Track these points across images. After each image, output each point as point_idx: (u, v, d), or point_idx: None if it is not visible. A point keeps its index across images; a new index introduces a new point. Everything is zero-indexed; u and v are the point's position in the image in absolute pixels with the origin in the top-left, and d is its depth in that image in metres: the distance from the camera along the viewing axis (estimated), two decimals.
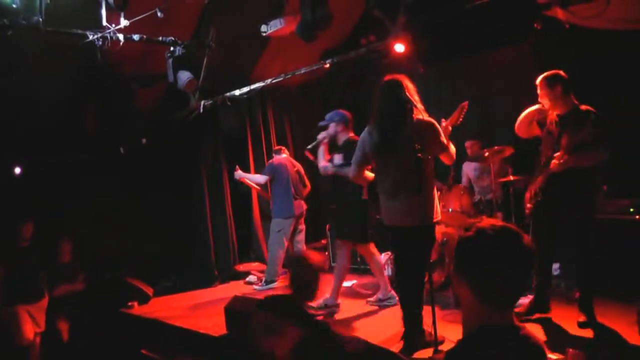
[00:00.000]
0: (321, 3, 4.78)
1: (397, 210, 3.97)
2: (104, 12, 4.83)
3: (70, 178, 6.73)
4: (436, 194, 4.12)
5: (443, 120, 3.95)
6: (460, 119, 3.93)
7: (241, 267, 7.72)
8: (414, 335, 3.91)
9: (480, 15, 5.01)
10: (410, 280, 3.98)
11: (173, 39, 5.55)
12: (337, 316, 5.18)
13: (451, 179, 6.19)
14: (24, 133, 6.18)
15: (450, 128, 3.94)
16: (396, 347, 3.65)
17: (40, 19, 4.48)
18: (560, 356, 3.11)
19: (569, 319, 4.09)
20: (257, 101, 8.08)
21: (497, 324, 1.53)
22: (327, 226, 7.54)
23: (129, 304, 6.46)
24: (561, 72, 4.09)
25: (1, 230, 5.33)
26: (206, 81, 6.10)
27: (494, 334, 1.51)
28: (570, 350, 3.28)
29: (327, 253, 7.59)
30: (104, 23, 4.87)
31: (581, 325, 3.89)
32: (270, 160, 6.95)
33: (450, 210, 5.66)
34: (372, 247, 5.41)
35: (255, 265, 7.78)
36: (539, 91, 4.15)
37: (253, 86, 6.91)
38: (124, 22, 4.86)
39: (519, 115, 4.30)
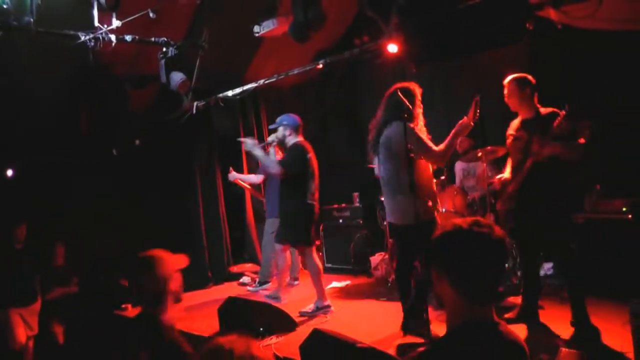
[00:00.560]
0: (313, 3, 4.78)
1: (392, 208, 4.16)
2: (95, 12, 4.81)
3: (63, 179, 6.69)
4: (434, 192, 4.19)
5: (465, 117, 3.97)
6: (478, 113, 3.95)
7: (235, 269, 7.70)
8: (412, 319, 4.07)
9: (473, 16, 5.02)
10: (407, 277, 4.15)
11: (166, 39, 5.53)
12: (331, 316, 5.17)
13: (445, 179, 6.20)
14: (17, 134, 6.15)
15: (472, 124, 3.97)
16: (388, 346, 3.65)
17: (32, 20, 4.45)
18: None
19: (561, 319, 4.09)
20: (250, 102, 8.08)
21: (479, 319, 1.57)
22: (321, 227, 7.54)
23: (123, 306, 6.43)
24: (529, 76, 4.10)
25: None
26: (199, 82, 6.08)
27: (475, 330, 1.56)
28: (564, 349, 3.29)
29: (320, 254, 7.59)
30: (96, 24, 4.84)
31: (573, 324, 3.89)
32: None
33: (443, 210, 5.66)
34: (313, 252, 5.44)
35: (249, 266, 7.76)
36: (506, 91, 4.14)
37: (246, 87, 6.90)
38: (116, 23, 4.84)
39: (513, 116, 4.29)
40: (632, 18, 4.50)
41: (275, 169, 5.22)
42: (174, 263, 2.63)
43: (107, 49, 5.01)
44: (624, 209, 4.72)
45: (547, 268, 5.32)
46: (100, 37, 4.91)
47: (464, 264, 1.58)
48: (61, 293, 5.98)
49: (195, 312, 5.64)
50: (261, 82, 6.79)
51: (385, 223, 6.55)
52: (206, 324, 5.26)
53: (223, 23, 6.09)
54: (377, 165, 4.59)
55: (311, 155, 5.50)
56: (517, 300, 4.44)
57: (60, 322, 5.77)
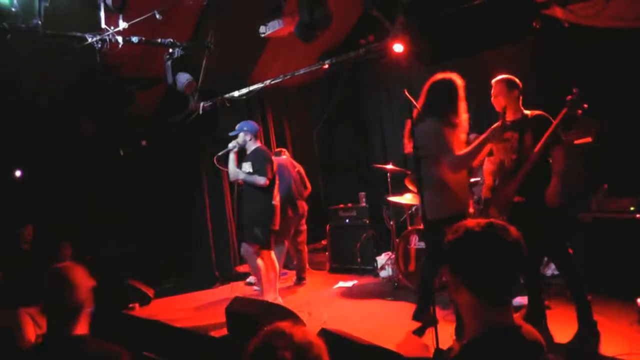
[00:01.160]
0: (319, 4, 4.78)
1: (424, 203, 4.05)
2: (102, 14, 4.83)
3: (70, 181, 6.73)
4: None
5: (497, 123, 3.89)
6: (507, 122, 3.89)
7: (241, 268, 7.71)
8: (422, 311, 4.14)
9: (479, 15, 5.01)
10: (433, 270, 4.17)
11: (172, 40, 5.55)
12: (338, 315, 5.18)
13: None
14: (24, 137, 6.19)
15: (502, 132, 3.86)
16: (395, 346, 3.65)
17: (39, 22, 4.47)
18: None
19: (568, 318, 4.07)
20: (256, 102, 8.09)
21: (499, 324, 1.53)
22: (327, 227, 7.55)
23: (130, 305, 6.47)
24: (516, 79, 4.03)
25: (2, 233, 5.33)
26: (205, 83, 6.10)
27: (499, 336, 1.52)
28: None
29: (326, 254, 7.60)
30: (103, 25, 4.86)
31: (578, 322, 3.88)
32: None
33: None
34: (270, 255, 5.58)
35: None
36: (494, 90, 4.05)
37: (252, 87, 6.91)
38: (122, 25, 4.86)
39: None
40: (638, 15, 4.48)
41: (260, 181, 5.40)
42: (87, 277, 2.43)
43: (114, 50, 5.04)
44: (632, 208, 4.69)
45: (553, 268, 5.30)
46: (107, 39, 4.94)
47: (482, 269, 1.54)
48: None
49: (202, 312, 5.66)
50: (267, 82, 6.80)
51: (391, 223, 6.56)
52: (213, 324, 5.29)
53: (229, 24, 6.10)
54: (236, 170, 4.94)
55: (272, 157, 5.67)
56: (525, 300, 4.43)
57: None
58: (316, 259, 7.76)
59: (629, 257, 4.51)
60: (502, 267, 1.53)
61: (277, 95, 8.43)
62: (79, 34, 4.90)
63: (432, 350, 3.64)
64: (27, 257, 5.23)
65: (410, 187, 6.15)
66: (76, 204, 6.69)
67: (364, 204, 7.33)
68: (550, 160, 3.91)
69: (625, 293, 4.33)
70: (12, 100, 5.68)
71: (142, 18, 4.90)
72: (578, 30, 4.92)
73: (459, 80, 3.97)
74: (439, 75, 4.01)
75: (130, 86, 6.40)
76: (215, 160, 5.64)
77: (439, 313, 4.09)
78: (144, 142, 6.39)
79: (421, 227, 5.65)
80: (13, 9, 4.32)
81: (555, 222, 3.90)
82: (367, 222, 7.14)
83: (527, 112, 4.00)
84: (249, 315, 4.65)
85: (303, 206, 6.87)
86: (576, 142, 3.74)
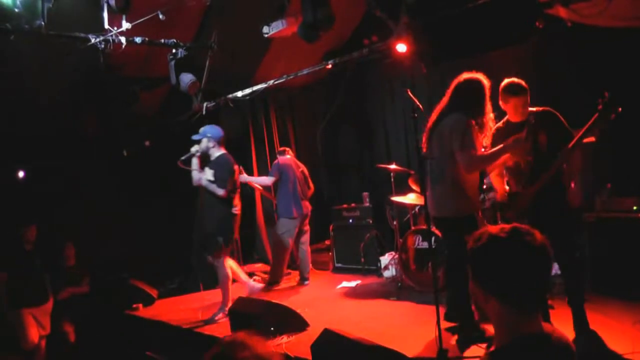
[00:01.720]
0: (322, 4, 4.78)
1: (431, 198, 4.10)
2: (105, 15, 4.84)
3: (73, 181, 6.75)
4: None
5: (519, 135, 3.83)
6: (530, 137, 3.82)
7: (245, 269, 7.71)
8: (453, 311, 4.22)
9: (482, 15, 5.00)
10: (455, 269, 4.11)
11: (175, 41, 5.56)
12: (341, 315, 5.18)
13: None
14: (27, 137, 6.20)
15: (525, 143, 3.78)
16: (399, 346, 3.64)
17: (43, 23, 4.49)
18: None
19: (571, 318, 4.05)
20: (259, 102, 8.10)
21: (530, 332, 1.49)
22: (331, 227, 7.55)
23: (134, 306, 6.48)
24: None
25: (6, 234, 5.35)
26: (208, 83, 6.11)
27: (527, 344, 1.48)
28: None
29: (330, 254, 7.60)
30: (106, 26, 4.87)
31: (574, 329, 3.86)
32: (276, 161, 6.95)
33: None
34: (226, 261, 5.57)
35: (259, 266, 7.78)
36: (519, 102, 3.83)
37: (255, 87, 6.91)
38: (125, 25, 4.87)
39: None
40: None
41: (219, 192, 5.36)
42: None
43: (117, 51, 5.05)
44: (635, 208, 4.69)
45: (556, 267, 5.28)
46: (111, 40, 4.95)
47: (510, 277, 1.48)
48: (72, 293, 6.04)
49: (206, 313, 5.66)
50: (270, 82, 6.80)
51: (395, 223, 6.55)
52: (217, 324, 5.30)
53: (232, 24, 6.11)
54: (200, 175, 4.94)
55: (235, 167, 5.61)
56: None
57: (72, 321, 5.82)
58: (320, 259, 7.75)
59: (632, 257, 4.50)
60: (531, 273, 1.48)
61: (281, 95, 8.44)
62: (82, 34, 4.92)
63: (436, 350, 3.65)
64: (30, 257, 5.23)
65: (414, 187, 6.15)
66: (79, 204, 6.70)
67: (367, 204, 7.32)
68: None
69: (628, 292, 4.33)
70: (15, 100, 5.70)
71: (145, 18, 4.91)
72: (581, 29, 4.90)
73: (485, 81, 3.94)
74: (467, 75, 3.98)
75: (134, 86, 6.41)
76: (179, 163, 5.52)
77: (443, 313, 4.09)
78: (147, 143, 6.40)
79: (424, 227, 5.65)
80: (16, 10, 4.34)
81: (567, 223, 3.88)
82: (371, 222, 7.14)
83: (531, 108, 3.95)
84: (252, 315, 4.66)
85: (307, 206, 6.86)
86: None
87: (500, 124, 4.03)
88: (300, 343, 4.32)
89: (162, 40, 5.52)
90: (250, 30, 5.79)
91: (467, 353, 3.80)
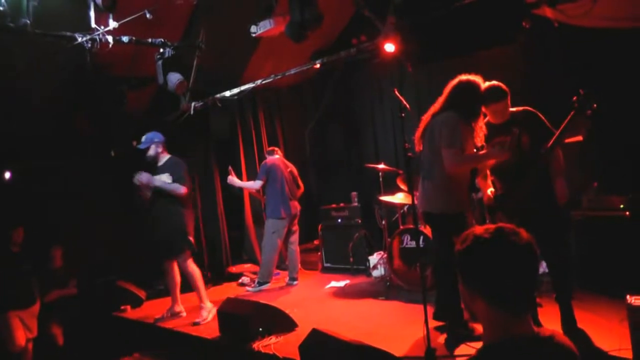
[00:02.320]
0: (310, 3, 4.78)
1: (420, 193, 4.18)
2: (92, 13, 4.80)
3: (61, 181, 6.69)
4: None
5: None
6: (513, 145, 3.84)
7: (234, 269, 7.71)
8: (442, 310, 4.23)
9: (470, 15, 5.02)
10: (443, 267, 4.13)
11: (163, 40, 5.52)
12: (330, 315, 5.18)
13: None
14: (13, 137, 6.14)
15: (508, 153, 3.79)
16: (387, 345, 3.65)
17: (28, 22, 4.44)
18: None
19: (559, 316, 4.08)
20: (247, 102, 8.09)
21: (518, 333, 1.48)
22: (320, 227, 7.55)
23: (122, 307, 6.44)
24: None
25: None
26: (196, 83, 6.08)
27: (516, 345, 1.47)
28: None
29: (319, 254, 7.59)
30: (93, 25, 4.83)
31: (562, 328, 3.89)
32: (264, 161, 6.94)
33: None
34: (191, 261, 5.67)
35: (247, 266, 7.77)
36: (501, 106, 3.88)
37: (243, 87, 6.89)
38: (112, 24, 4.83)
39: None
40: (627, 16, 4.51)
41: (180, 190, 5.45)
42: None
43: (104, 50, 5.00)
44: (622, 206, 4.73)
45: (544, 266, 5.32)
46: (97, 39, 4.90)
47: (497, 277, 1.48)
48: (59, 295, 5.98)
49: (194, 313, 5.63)
50: (258, 82, 6.79)
51: (383, 222, 6.57)
52: (205, 325, 5.28)
53: (220, 23, 6.09)
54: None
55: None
56: None
57: (59, 323, 5.78)
58: (308, 258, 7.75)
59: (618, 255, 4.54)
60: (517, 273, 1.47)
61: (269, 95, 8.43)
62: (68, 33, 4.86)
63: (424, 350, 3.65)
64: (17, 259, 5.18)
65: (403, 186, 6.16)
66: (66, 206, 6.64)
67: (356, 204, 7.34)
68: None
69: (615, 290, 4.35)
70: (3, 99, 5.64)
71: (132, 17, 4.87)
72: (567, 30, 4.94)
73: (482, 84, 3.94)
74: (464, 76, 3.98)
75: (122, 86, 6.37)
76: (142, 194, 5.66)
77: (430, 312, 4.11)
78: (134, 143, 6.34)
79: (412, 226, 5.67)
80: (1, 8, 4.28)
81: (556, 222, 3.90)
82: (359, 221, 7.15)
83: (512, 109, 3.97)
84: (241, 316, 4.64)
85: (296, 206, 6.86)
86: (566, 140, 3.72)
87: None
88: (288, 343, 4.32)
89: (150, 40, 5.48)
90: (238, 29, 5.78)
91: (455, 352, 3.81)
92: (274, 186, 6.71)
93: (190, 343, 5.07)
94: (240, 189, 7.61)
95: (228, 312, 4.84)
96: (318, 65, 6.32)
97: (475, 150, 3.97)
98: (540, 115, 3.87)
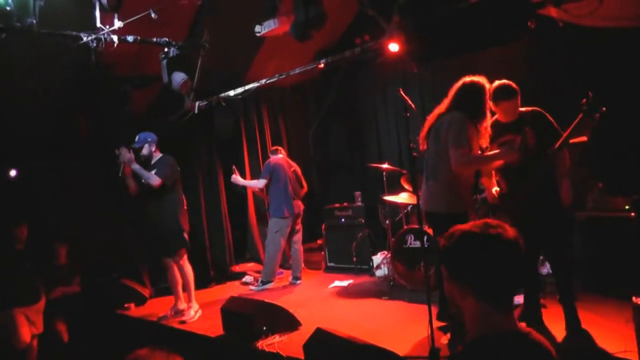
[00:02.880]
0: (314, 3, 4.78)
1: (423, 193, 4.18)
2: (97, 13, 4.81)
3: (65, 180, 6.70)
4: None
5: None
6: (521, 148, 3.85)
7: (237, 268, 7.72)
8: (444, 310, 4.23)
9: (474, 14, 5.01)
10: None
11: (167, 40, 5.53)
12: (333, 315, 5.18)
13: None
14: (17, 136, 6.15)
15: (516, 155, 3.80)
16: (391, 345, 3.65)
17: (34, 21, 4.45)
18: None
19: (563, 317, 4.08)
20: (251, 101, 8.09)
21: (505, 329, 1.50)
22: (323, 226, 7.55)
23: (126, 305, 6.45)
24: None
25: None
26: (201, 82, 6.08)
27: (503, 341, 1.49)
28: None
29: (322, 253, 7.60)
30: (98, 24, 4.84)
31: (566, 328, 3.88)
32: (268, 160, 6.95)
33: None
34: (186, 260, 5.75)
35: (251, 265, 7.78)
36: (511, 105, 3.89)
37: (248, 87, 6.90)
38: (118, 24, 4.83)
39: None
40: (633, 15, 4.50)
41: (154, 181, 5.52)
42: None
43: (109, 49, 5.01)
44: (627, 207, 4.72)
45: (548, 267, 5.31)
46: (102, 38, 4.91)
47: (482, 270, 1.51)
48: (63, 292, 6.00)
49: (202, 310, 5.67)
50: (262, 81, 6.79)
51: (387, 222, 6.57)
52: (209, 324, 5.28)
53: (224, 23, 6.09)
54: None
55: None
56: (521, 299, 4.44)
57: (64, 320, 5.79)
58: (312, 258, 7.76)
59: (623, 256, 4.53)
60: (505, 264, 1.50)
61: (273, 94, 8.43)
62: (74, 33, 4.87)
63: (428, 350, 3.65)
64: (21, 257, 5.20)
65: (407, 186, 6.16)
66: (71, 204, 6.65)
67: (359, 204, 7.33)
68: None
69: (620, 291, 4.35)
70: (6, 99, 5.65)
71: (137, 17, 4.87)
72: (572, 30, 4.93)
73: (487, 85, 3.95)
74: (468, 78, 3.99)
75: (126, 85, 6.38)
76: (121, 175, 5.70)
77: (435, 312, 4.10)
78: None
79: (416, 226, 5.67)
80: (7, 8, 4.29)
81: (561, 223, 3.90)
82: (363, 221, 7.15)
83: (521, 109, 3.97)
84: (245, 315, 4.65)
85: (299, 205, 6.86)
86: (571, 141, 3.72)
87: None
88: (292, 342, 4.33)
89: (155, 39, 5.49)
90: (243, 29, 5.78)
91: None
92: (278, 185, 6.71)
93: (194, 341, 5.08)
94: (244, 188, 7.62)
95: (232, 311, 4.85)
96: (322, 65, 6.32)
97: (480, 151, 3.97)
98: (549, 117, 3.87)
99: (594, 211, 4.96)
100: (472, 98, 3.91)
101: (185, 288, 5.75)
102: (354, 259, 6.98)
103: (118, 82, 6.35)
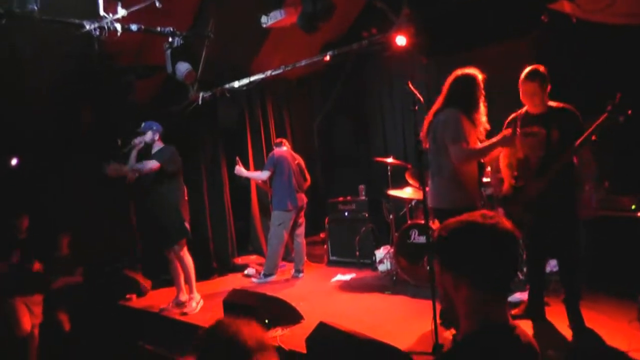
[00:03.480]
0: None
1: (430, 190, 4.17)
2: (101, 1, 4.76)
3: (67, 171, 6.68)
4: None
5: (509, 130, 3.88)
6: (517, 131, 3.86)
7: (239, 260, 7.70)
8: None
9: (485, 8, 4.96)
10: None
11: (172, 29, 5.48)
12: (335, 309, 5.16)
13: None
14: (20, 127, 6.13)
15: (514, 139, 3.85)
16: (394, 340, 3.62)
17: (35, 7, 4.40)
18: None
19: (564, 316, 4.05)
20: (256, 93, 8.04)
21: (496, 321, 1.51)
22: (326, 220, 7.52)
23: (127, 296, 6.45)
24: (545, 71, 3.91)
25: None
26: (205, 73, 6.04)
27: (493, 332, 1.50)
28: None
29: (325, 247, 7.57)
30: (101, 12, 4.79)
31: (570, 327, 3.86)
32: (271, 153, 6.91)
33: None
34: (186, 250, 5.73)
35: (253, 258, 7.76)
36: (529, 89, 3.86)
37: (252, 78, 6.85)
38: (121, 12, 4.78)
39: (520, 108, 4.17)
40: None
41: (151, 165, 5.51)
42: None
43: (113, 38, 4.96)
44: (633, 207, 4.68)
45: (553, 265, 5.27)
46: (106, 26, 4.86)
47: (481, 257, 1.51)
48: (65, 282, 6.00)
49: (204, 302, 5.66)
50: (268, 73, 6.74)
51: (391, 216, 6.53)
52: (210, 316, 5.26)
53: (230, 13, 6.04)
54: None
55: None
56: (524, 296, 4.41)
57: (66, 310, 5.79)
58: (314, 251, 7.74)
59: (629, 255, 4.49)
60: (500, 252, 1.51)
61: (278, 86, 8.38)
62: (76, 20, 4.83)
63: (431, 345, 3.63)
64: (23, 246, 5.20)
65: (411, 181, 6.11)
66: (72, 195, 6.64)
67: (363, 197, 7.30)
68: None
69: (625, 290, 4.32)
70: (8, 90, 5.62)
71: (141, 6, 4.82)
72: (582, 25, 4.87)
73: (480, 76, 3.96)
74: (462, 70, 4.00)
75: (129, 75, 6.35)
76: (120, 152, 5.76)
77: (438, 307, 4.07)
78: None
79: (421, 221, 5.64)
80: None
81: (574, 219, 3.88)
82: (367, 215, 7.11)
83: (552, 103, 3.93)
84: (247, 307, 4.63)
85: (302, 198, 6.83)
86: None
87: (518, 112, 4.04)
88: (294, 336, 4.31)
89: (159, 29, 5.43)
90: (248, 20, 5.74)
91: None
92: (281, 178, 6.68)
93: (194, 333, 5.06)
94: (248, 180, 7.58)
95: (234, 303, 4.83)
96: (328, 58, 6.26)
97: (478, 143, 3.97)
98: (579, 116, 3.82)
99: (601, 210, 4.91)
100: (464, 89, 3.94)
101: (186, 279, 5.73)
102: (357, 253, 6.95)
103: (121, 73, 6.31)
